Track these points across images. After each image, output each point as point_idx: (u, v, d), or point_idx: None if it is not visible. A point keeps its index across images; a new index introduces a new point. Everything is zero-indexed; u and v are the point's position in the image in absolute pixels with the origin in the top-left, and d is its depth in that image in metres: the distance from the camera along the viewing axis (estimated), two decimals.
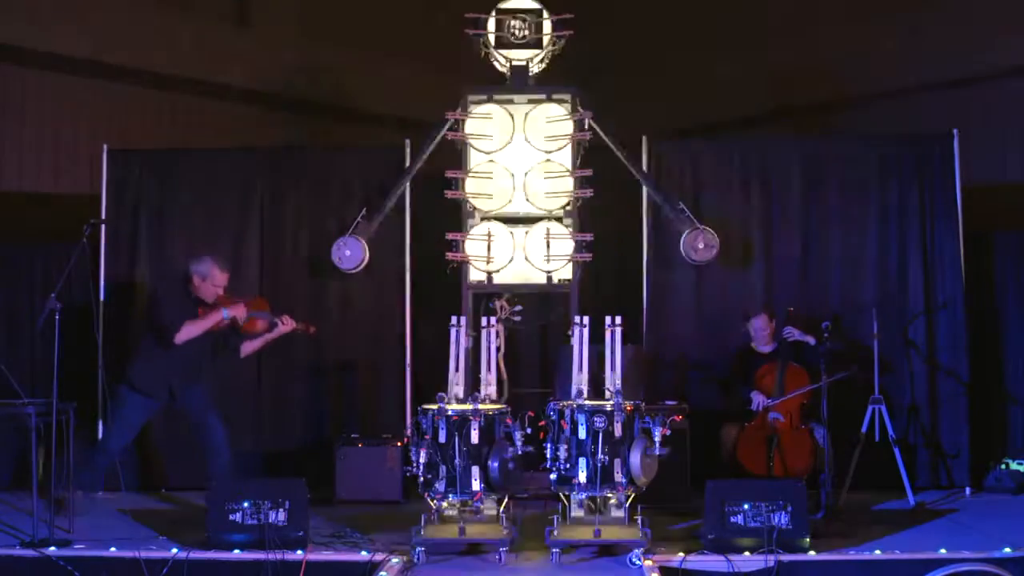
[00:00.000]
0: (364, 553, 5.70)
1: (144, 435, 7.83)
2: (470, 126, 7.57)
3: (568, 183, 7.49)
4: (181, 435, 7.70)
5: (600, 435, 5.76)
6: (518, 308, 7.68)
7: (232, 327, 7.03)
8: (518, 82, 7.66)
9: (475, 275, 7.53)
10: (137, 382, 6.94)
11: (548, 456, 5.88)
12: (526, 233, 7.47)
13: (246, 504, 5.79)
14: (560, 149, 7.49)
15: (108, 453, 7.11)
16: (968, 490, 7.72)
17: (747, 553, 5.59)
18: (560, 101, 7.58)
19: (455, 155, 7.64)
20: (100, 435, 7.66)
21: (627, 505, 5.88)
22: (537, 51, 7.63)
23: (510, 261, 7.44)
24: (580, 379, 6.10)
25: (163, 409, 7.22)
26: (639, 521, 5.74)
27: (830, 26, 11.18)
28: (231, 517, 5.80)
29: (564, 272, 7.47)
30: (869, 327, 7.39)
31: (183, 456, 7.83)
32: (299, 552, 5.62)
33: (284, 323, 7.11)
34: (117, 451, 7.16)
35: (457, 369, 6.33)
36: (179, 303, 6.93)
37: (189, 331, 6.82)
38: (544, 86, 7.68)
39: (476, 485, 5.78)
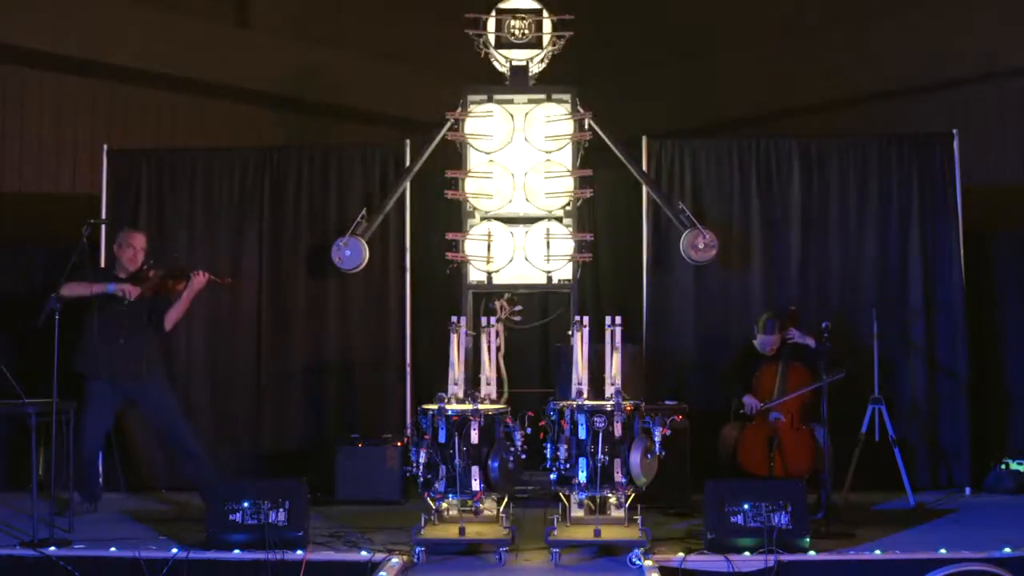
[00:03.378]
0: (364, 553, 5.70)
1: (144, 435, 7.85)
2: (470, 126, 7.57)
3: (568, 183, 7.49)
4: None
5: (600, 435, 5.76)
6: (518, 308, 7.68)
7: (157, 296, 6.93)
8: (518, 82, 7.66)
9: (475, 275, 7.53)
10: (81, 366, 6.85)
11: (548, 456, 5.88)
12: (526, 233, 7.47)
13: (246, 504, 5.78)
14: (560, 149, 7.49)
15: (86, 457, 6.90)
16: (968, 490, 7.72)
17: (747, 553, 5.59)
18: (560, 101, 7.59)
19: (455, 155, 7.64)
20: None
21: (627, 505, 5.87)
22: (537, 51, 7.63)
23: (510, 261, 7.44)
24: (580, 379, 6.10)
25: (123, 402, 7.09)
26: (639, 521, 5.74)
27: (830, 26, 11.19)
28: (231, 517, 5.79)
29: (564, 272, 7.47)
30: (869, 327, 7.39)
31: None
32: (299, 552, 5.62)
33: (197, 275, 6.92)
34: (94, 452, 6.98)
35: (457, 369, 6.33)
36: (99, 279, 6.85)
37: (70, 287, 6.64)
38: (544, 86, 7.68)
39: (476, 485, 5.77)
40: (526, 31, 7.61)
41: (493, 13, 7.64)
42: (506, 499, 6.06)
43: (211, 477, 6.66)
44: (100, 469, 7.46)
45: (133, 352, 6.89)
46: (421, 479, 5.87)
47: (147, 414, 7.14)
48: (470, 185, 7.53)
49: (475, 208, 7.55)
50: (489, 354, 6.40)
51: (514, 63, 7.65)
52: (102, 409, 6.90)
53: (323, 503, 7.16)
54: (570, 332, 6.49)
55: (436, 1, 10.64)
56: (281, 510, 5.78)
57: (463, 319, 6.56)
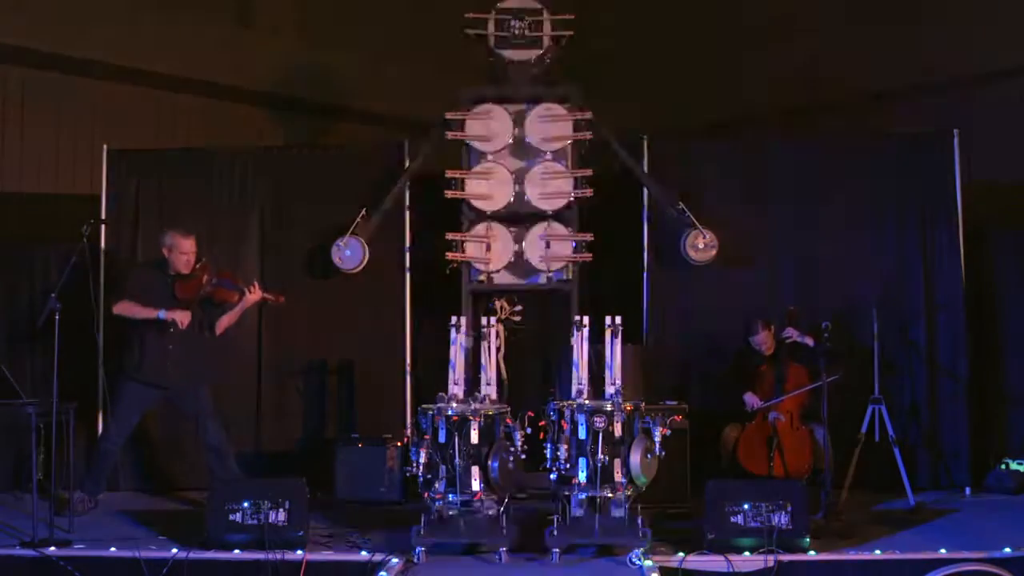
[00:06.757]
0: (364, 553, 5.70)
1: (145, 435, 7.84)
2: (470, 126, 7.57)
3: (568, 183, 7.48)
4: (182, 435, 7.72)
5: (600, 435, 5.76)
6: (518, 308, 7.68)
7: (209, 303, 7.01)
8: (518, 82, 7.66)
9: (475, 275, 7.52)
10: (131, 370, 6.95)
11: (548, 456, 5.88)
12: (526, 233, 7.46)
13: (246, 504, 5.78)
14: (560, 149, 7.49)
15: (107, 450, 7.03)
16: (968, 490, 7.71)
17: (747, 553, 5.59)
18: (560, 101, 7.58)
19: (455, 155, 7.64)
20: (99, 435, 7.64)
21: (627, 505, 5.87)
22: (537, 51, 7.63)
23: (510, 261, 7.44)
24: (580, 379, 6.09)
25: (160, 405, 7.20)
26: (639, 521, 5.74)
27: (830, 26, 11.19)
28: (231, 517, 5.79)
29: (564, 272, 7.46)
30: (869, 327, 7.38)
31: (183, 456, 7.85)
32: (299, 552, 5.62)
33: (252, 291, 7.03)
34: (116, 447, 7.07)
35: (457, 369, 6.32)
36: (151, 286, 6.92)
37: (123, 307, 6.84)
38: (544, 86, 7.68)
39: (476, 485, 5.77)
40: (526, 31, 7.61)
41: (493, 13, 7.65)
42: (506, 499, 6.06)
43: (232, 473, 6.81)
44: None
45: (184, 358, 6.96)
46: (421, 479, 5.86)
47: (183, 410, 7.20)
48: (470, 185, 7.53)
49: (475, 208, 7.55)
50: (489, 354, 6.40)
51: (514, 63, 7.64)
52: (136, 408, 7.02)
53: (323, 503, 7.15)
54: (570, 332, 6.48)
55: (436, 1, 10.64)
56: (281, 510, 5.79)
57: (463, 319, 6.55)
